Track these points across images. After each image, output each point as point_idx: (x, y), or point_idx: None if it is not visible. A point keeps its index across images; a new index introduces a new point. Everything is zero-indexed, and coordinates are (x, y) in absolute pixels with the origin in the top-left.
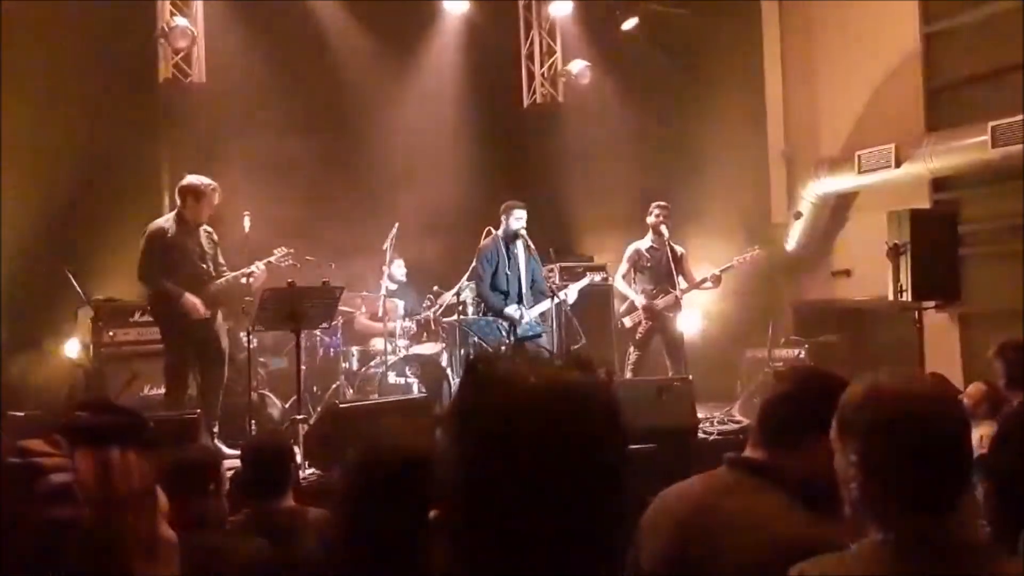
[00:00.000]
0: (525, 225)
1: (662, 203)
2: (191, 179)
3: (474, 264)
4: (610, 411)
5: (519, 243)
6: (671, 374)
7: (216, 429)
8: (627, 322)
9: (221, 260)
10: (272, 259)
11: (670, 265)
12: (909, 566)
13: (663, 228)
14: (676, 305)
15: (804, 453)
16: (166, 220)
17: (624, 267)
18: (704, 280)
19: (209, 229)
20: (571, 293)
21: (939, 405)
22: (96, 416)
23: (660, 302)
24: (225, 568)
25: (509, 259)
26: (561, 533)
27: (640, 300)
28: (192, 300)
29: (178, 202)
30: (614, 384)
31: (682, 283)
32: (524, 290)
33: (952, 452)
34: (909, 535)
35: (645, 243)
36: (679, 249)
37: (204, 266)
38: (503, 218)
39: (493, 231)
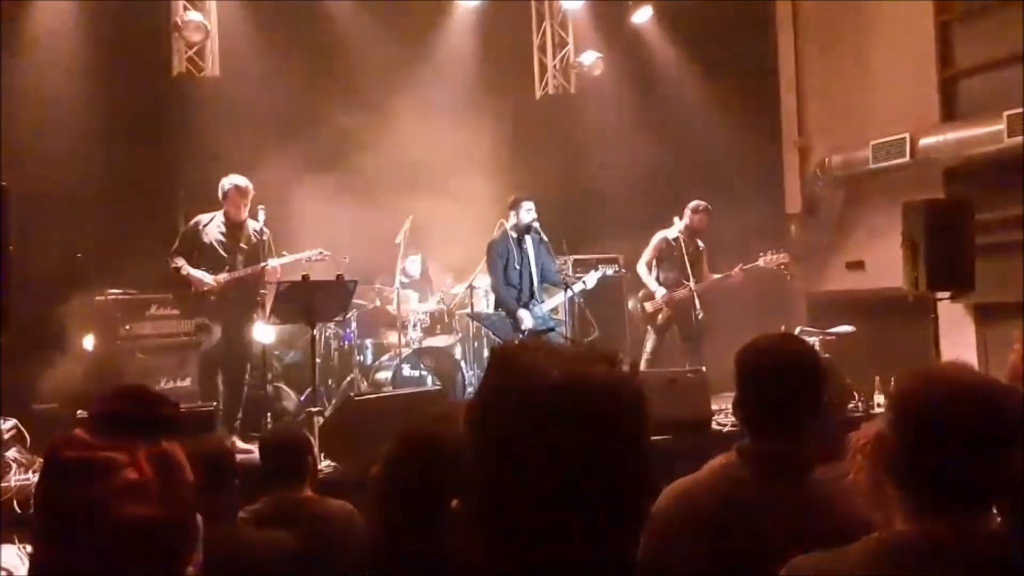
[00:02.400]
0: (536, 217)
1: (703, 204)
2: (225, 178)
3: (486, 258)
4: (634, 404)
5: (529, 237)
6: (687, 365)
7: (238, 424)
8: (648, 307)
9: (262, 261)
10: (302, 256)
11: (695, 256)
12: (911, 568)
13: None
14: (692, 297)
15: (804, 436)
16: (211, 214)
17: (648, 254)
18: (727, 275)
19: (263, 231)
20: (590, 280)
21: (993, 399)
22: (141, 408)
23: (680, 292)
24: (248, 560)
25: (520, 254)
26: (582, 524)
27: (661, 293)
28: (197, 274)
29: None
30: (638, 377)
31: (703, 276)
32: (535, 285)
33: (988, 454)
34: (916, 535)
35: (672, 233)
36: (701, 244)
37: (226, 256)
38: (512, 212)
39: (505, 224)
